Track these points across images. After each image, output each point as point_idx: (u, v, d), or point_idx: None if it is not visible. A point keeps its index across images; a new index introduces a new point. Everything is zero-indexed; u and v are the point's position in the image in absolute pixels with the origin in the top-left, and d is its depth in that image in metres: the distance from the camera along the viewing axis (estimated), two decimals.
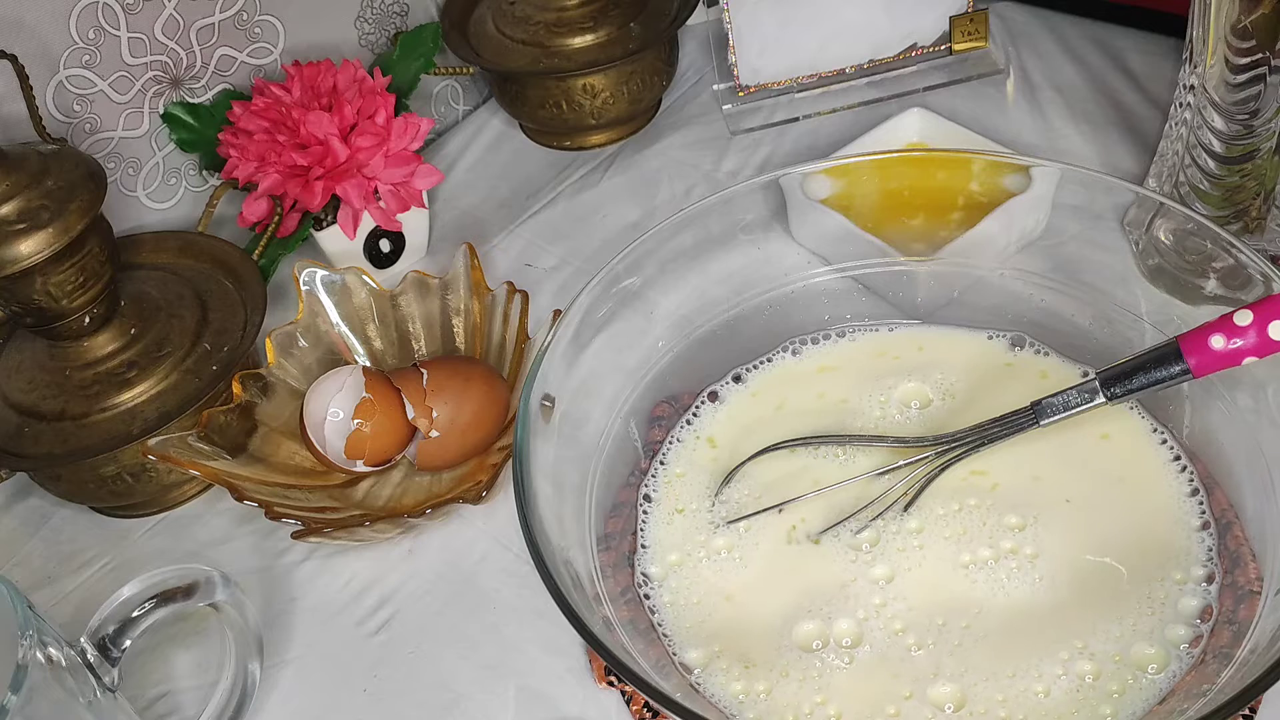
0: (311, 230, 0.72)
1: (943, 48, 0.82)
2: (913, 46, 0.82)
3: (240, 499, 0.57)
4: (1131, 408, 0.57)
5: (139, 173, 0.74)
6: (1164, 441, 0.56)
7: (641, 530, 0.56)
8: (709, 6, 0.87)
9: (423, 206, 0.74)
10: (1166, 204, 0.58)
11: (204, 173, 0.77)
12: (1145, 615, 0.50)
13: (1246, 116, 0.60)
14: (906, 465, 0.55)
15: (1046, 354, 0.60)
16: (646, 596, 0.53)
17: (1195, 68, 0.60)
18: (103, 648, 0.47)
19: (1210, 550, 0.52)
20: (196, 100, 0.75)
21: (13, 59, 0.59)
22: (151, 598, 0.48)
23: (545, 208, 0.80)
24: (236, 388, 0.61)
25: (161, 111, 0.74)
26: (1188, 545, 0.52)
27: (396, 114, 0.72)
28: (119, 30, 0.70)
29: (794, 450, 0.57)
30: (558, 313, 0.57)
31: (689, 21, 0.83)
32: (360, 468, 0.61)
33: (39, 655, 0.43)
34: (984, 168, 0.62)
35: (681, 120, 0.85)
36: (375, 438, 0.59)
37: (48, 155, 0.58)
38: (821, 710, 0.48)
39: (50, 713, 0.43)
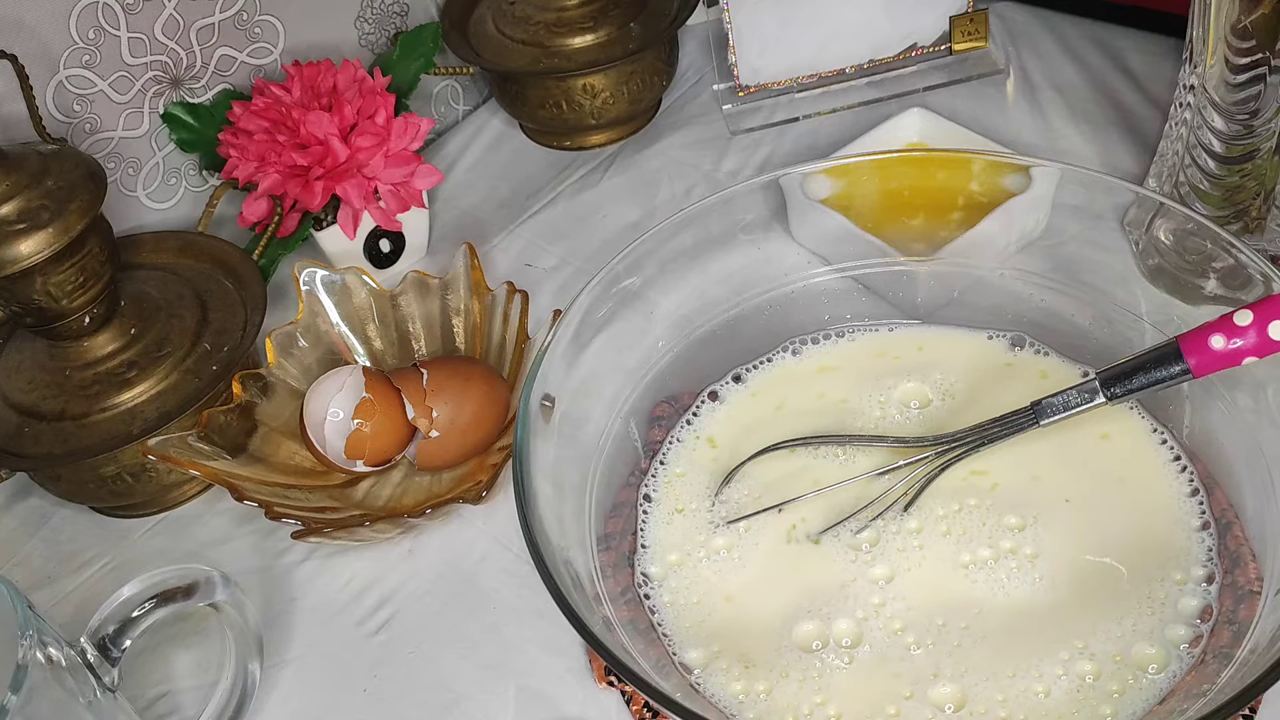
0: (311, 230, 0.72)
1: (943, 48, 0.82)
2: (913, 46, 0.82)
3: (240, 499, 0.57)
4: (1131, 408, 0.57)
5: (139, 173, 0.74)
6: (1164, 441, 0.56)
7: (641, 530, 0.56)
8: (709, 6, 0.87)
9: (423, 206, 0.74)
10: (1166, 204, 0.58)
11: (204, 173, 0.77)
12: (1145, 615, 0.50)
13: (1246, 116, 0.60)
14: (906, 465, 0.55)
15: (1046, 354, 0.60)
16: (646, 596, 0.53)
17: (1195, 68, 0.60)
18: (103, 648, 0.47)
19: (1210, 550, 0.52)
20: (196, 100, 0.75)
21: (13, 59, 0.59)
22: (151, 598, 0.48)
23: (545, 208, 0.80)
24: (236, 388, 0.61)
25: (161, 111, 0.74)
26: (1188, 545, 0.52)
27: (396, 114, 0.72)
28: (119, 30, 0.70)
29: (794, 450, 0.57)
30: (558, 313, 0.57)
31: (689, 21, 0.82)
32: (360, 468, 0.61)
33: (39, 655, 0.43)
34: (984, 168, 0.62)
35: (681, 120, 0.85)
36: (375, 438, 0.59)
37: (48, 155, 0.58)
38: (821, 710, 0.48)
39: (50, 713, 0.43)
